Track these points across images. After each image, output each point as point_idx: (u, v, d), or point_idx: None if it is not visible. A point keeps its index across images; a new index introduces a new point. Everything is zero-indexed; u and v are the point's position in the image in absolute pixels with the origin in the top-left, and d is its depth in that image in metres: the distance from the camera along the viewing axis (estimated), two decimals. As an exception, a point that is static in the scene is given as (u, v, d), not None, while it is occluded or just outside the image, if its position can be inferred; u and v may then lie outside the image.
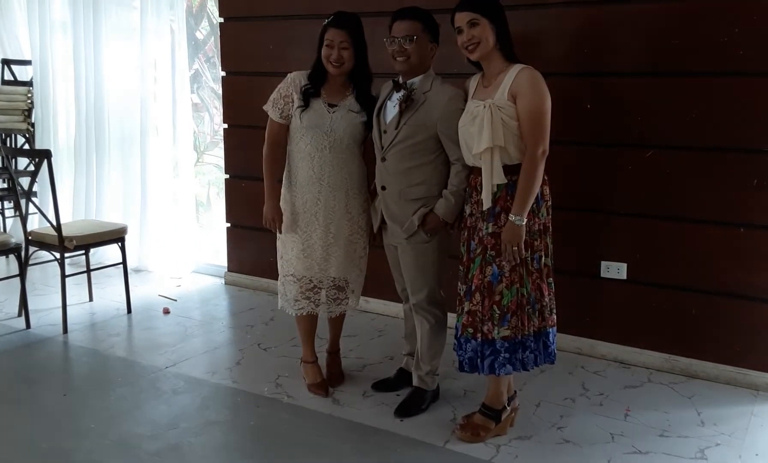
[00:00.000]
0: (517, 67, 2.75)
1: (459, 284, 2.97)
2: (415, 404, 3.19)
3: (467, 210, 2.92)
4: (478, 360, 2.86)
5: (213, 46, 6.28)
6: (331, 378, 3.49)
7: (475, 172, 2.86)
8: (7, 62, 5.98)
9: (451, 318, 3.12)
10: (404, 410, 3.17)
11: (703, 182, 3.46)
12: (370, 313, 4.45)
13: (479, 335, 2.84)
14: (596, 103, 3.65)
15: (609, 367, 3.71)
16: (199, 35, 6.29)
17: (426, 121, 2.93)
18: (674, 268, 3.58)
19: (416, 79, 2.99)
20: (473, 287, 2.85)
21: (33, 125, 5.82)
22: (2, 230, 5.75)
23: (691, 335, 3.59)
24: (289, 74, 3.25)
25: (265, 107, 3.25)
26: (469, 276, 2.89)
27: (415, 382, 3.23)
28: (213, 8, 5.88)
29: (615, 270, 3.72)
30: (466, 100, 2.90)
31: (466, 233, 2.93)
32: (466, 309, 2.87)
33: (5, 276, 4.62)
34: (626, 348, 3.74)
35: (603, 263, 3.74)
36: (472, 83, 2.93)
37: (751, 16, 3.26)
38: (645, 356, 3.69)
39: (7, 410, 3.25)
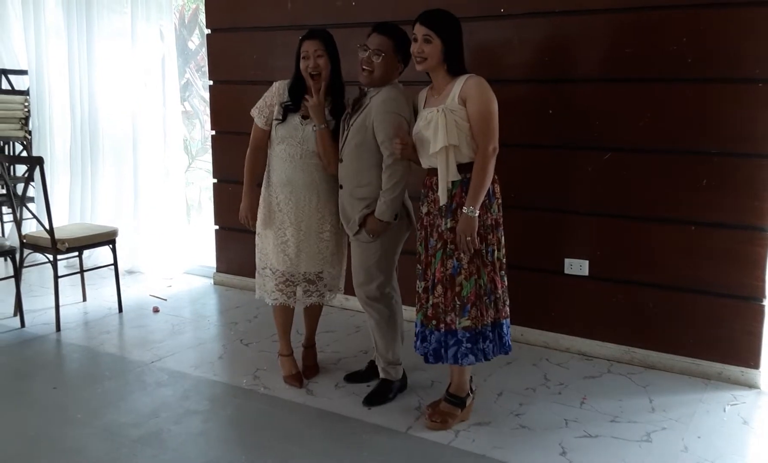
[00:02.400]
0: (465, 76, 2.98)
1: (417, 281, 3.17)
2: (381, 393, 3.40)
3: (424, 209, 3.12)
4: (442, 350, 3.06)
5: (204, 56, 6.49)
6: (306, 371, 3.70)
7: (430, 173, 3.07)
8: (4, 72, 6.22)
9: (409, 313, 3.30)
10: (372, 400, 3.37)
11: (657, 183, 3.66)
12: (349, 310, 4.66)
13: (442, 325, 3.04)
14: (557, 109, 3.85)
15: (572, 359, 3.91)
16: (191, 45, 6.50)
17: (365, 123, 3.17)
18: (633, 264, 3.78)
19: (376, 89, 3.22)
20: (435, 281, 3.05)
21: (30, 133, 6.05)
22: (1, 234, 5.97)
23: (648, 327, 3.78)
24: (274, 83, 3.47)
25: (252, 112, 3.48)
26: (430, 271, 3.08)
27: (380, 374, 3.44)
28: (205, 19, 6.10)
29: (578, 267, 3.91)
30: (410, 110, 3.15)
31: (423, 232, 3.13)
32: (430, 302, 3.07)
33: (1, 277, 4.83)
34: (588, 341, 3.94)
35: (566, 260, 3.94)
36: (421, 97, 3.16)
37: (697, 26, 3.46)
38: (606, 349, 3.89)
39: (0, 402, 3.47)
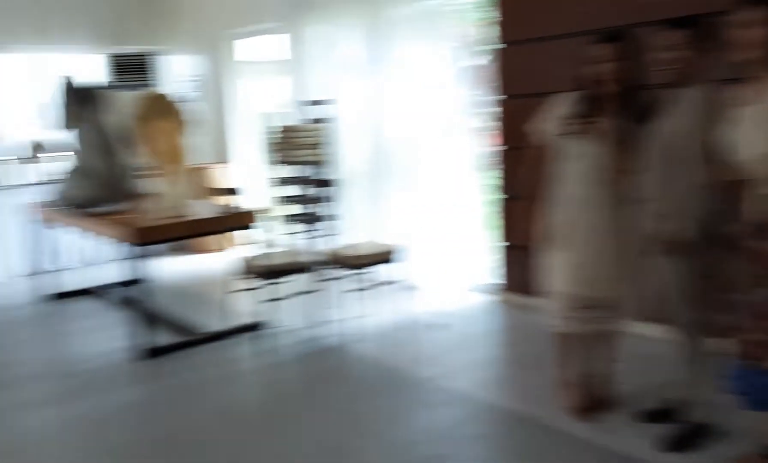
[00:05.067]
0: None
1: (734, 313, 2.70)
2: (682, 438, 3.03)
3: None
4: None
5: (491, 72, 6.50)
6: (594, 404, 3.42)
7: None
8: (310, 103, 6.79)
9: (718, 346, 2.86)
10: (670, 444, 3.02)
11: None
12: (647, 337, 4.19)
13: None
14: None
15: None
16: (477, 62, 6.56)
17: (672, 128, 2.90)
18: None
19: None
20: (762, 311, 2.55)
21: (327, 157, 6.51)
22: (299, 251, 6.49)
23: None
24: (558, 95, 3.30)
25: (534, 126, 3.37)
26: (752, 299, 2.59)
27: (682, 415, 3.07)
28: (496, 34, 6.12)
29: None
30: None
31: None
32: (753, 337, 2.57)
33: (298, 292, 5.16)
34: None
35: None
36: (732, 97, 2.68)
37: None
38: None
39: (300, 407, 3.73)
